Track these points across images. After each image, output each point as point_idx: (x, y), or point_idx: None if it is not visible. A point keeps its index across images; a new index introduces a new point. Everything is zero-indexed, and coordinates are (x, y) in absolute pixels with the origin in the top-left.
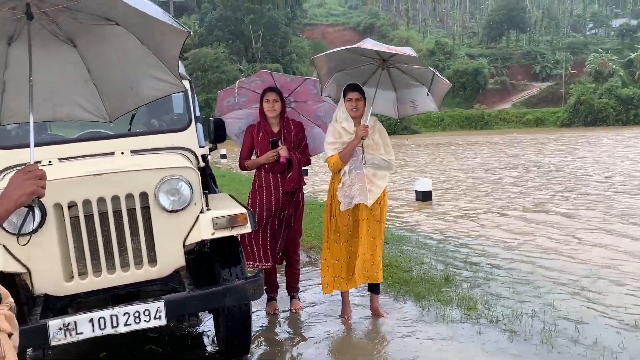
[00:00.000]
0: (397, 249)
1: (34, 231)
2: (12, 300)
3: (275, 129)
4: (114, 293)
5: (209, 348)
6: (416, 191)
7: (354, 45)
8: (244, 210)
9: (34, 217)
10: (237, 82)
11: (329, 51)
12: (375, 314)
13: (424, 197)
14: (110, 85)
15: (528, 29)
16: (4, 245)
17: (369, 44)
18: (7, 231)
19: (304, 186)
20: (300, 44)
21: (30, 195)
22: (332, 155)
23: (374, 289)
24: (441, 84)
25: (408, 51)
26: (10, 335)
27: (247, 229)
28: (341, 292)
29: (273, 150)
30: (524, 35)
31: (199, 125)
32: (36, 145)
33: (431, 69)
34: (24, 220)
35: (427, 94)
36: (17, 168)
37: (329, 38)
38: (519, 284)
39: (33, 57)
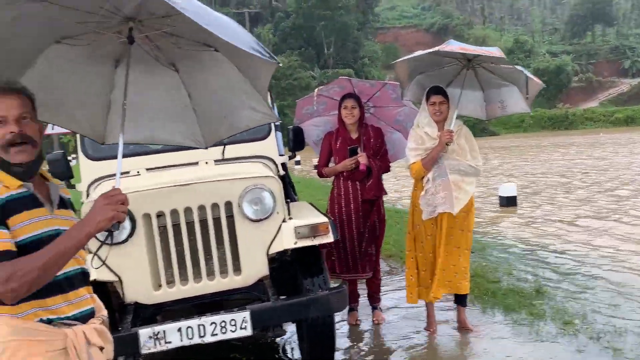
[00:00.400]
0: (482, 257)
1: (124, 241)
2: (105, 313)
3: (354, 136)
4: (199, 302)
5: (292, 358)
6: (500, 196)
7: (437, 48)
8: (326, 220)
9: (111, 240)
10: (316, 90)
11: (410, 55)
12: (463, 327)
13: (509, 202)
14: (208, 112)
15: (615, 22)
16: (96, 254)
17: (454, 45)
18: (100, 241)
19: (385, 195)
20: (373, 48)
21: (110, 221)
22: (415, 162)
23: (460, 300)
24: (532, 84)
25: (496, 52)
26: (101, 348)
27: (329, 238)
28: (426, 304)
29: (352, 157)
30: (611, 29)
31: (279, 134)
32: (124, 156)
33: (519, 68)
34: (102, 244)
35: (519, 94)
36: (108, 179)
37: (401, 41)
38: (619, 296)
39: (136, 80)
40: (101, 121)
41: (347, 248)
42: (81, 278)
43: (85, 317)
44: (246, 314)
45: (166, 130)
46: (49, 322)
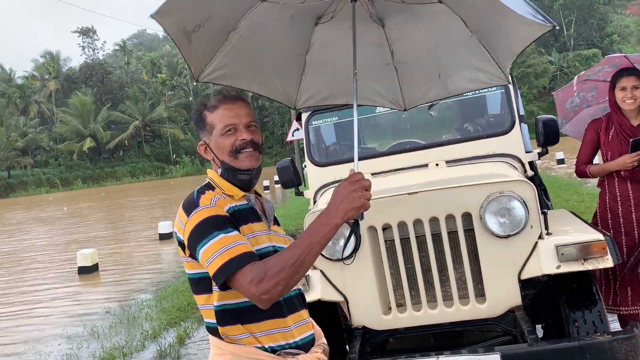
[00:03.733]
0: None
1: (350, 256)
2: (325, 341)
3: (635, 122)
4: (436, 331)
5: None
6: None
7: None
8: (601, 237)
9: (358, 235)
10: (576, 77)
11: None
12: None
13: None
14: (414, 70)
15: None
16: (321, 271)
17: None
18: (324, 256)
19: None
20: (623, 22)
21: (359, 209)
22: None
23: None
24: None
25: None
26: None
27: (608, 262)
28: None
29: (634, 153)
30: None
31: (524, 126)
32: (350, 160)
33: None
34: (349, 236)
35: None
36: (333, 185)
37: None
38: None
39: (337, 38)
40: (294, 85)
41: (632, 272)
42: (300, 299)
43: (307, 345)
44: (496, 358)
45: (364, 90)
46: (273, 351)
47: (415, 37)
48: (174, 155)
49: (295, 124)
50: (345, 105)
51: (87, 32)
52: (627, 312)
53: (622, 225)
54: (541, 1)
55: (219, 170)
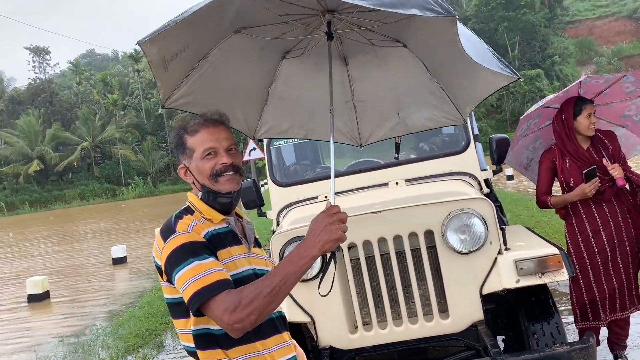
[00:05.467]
0: None
1: (315, 277)
2: None
3: (585, 145)
4: (401, 348)
5: None
6: None
7: None
8: (557, 251)
9: (335, 265)
10: (543, 100)
11: None
12: None
13: None
14: (372, 108)
15: None
16: (289, 294)
17: None
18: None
19: None
20: (563, 44)
21: (337, 242)
22: None
23: None
24: None
25: None
26: None
27: (563, 275)
28: None
29: (590, 182)
30: None
31: (479, 145)
32: (311, 181)
33: None
34: (326, 268)
35: None
36: (296, 206)
37: (597, 33)
38: None
39: (302, 72)
40: (256, 115)
41: (603, 287)
42: (281, 321)
43: None
44: None
45: (322, 126)
46: None
47: (376, 77)
48: (126, 177)
49: (251, 144)
50: None
51: (39, 51)
52: (592, 325)
53: (594, 245)
54: (487, 23)
55: (199, 194)
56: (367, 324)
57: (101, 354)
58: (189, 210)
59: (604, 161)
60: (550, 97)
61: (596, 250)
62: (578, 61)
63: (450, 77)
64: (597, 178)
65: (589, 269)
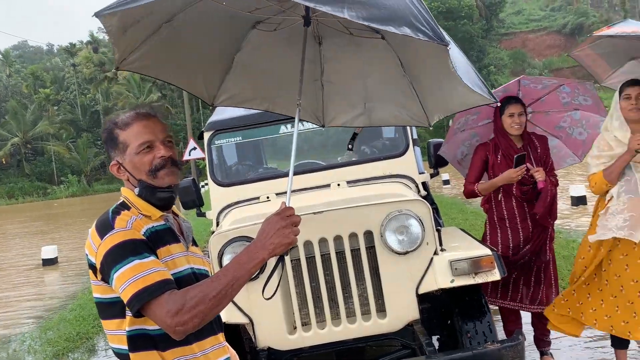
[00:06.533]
0: None
1: (255, 278)
2: None
3: (519, 145)
4: (340, 347)
5: None
6: None
7: (595, 35)
8: (489, 252)
9: (283, 268)
10: None
11: (608, 32)
12: None
13: None
14: (340, 92)
15: None
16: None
17: (627, 26)
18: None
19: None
20: (498, 55)
21: (288, 246)
22: (595, 173)
23: None
24: None
25: None
26: None
27: (495, 275)
28: (616, 353)
29: (519, 167)
30: None
31: (417, 149)
32: (253, 181)
33: None
34: (273, 271)
35: None
36: (237, 206)
37: (530, 45)
38: None
39: (271, 44)
40: (217, 82)
41: (517, 283)
42: (218, 322)
43: None
44: None
45: (287, 102)
46: None
47: (349, 62)
48: (59, 175)
49: (192, 143)
50: (251, 125)
51: None
52: (504, 305)
53: (510, 241)
54: None
55: (136, 190)
56: (306, 324)
57: None
58: (125, 206)
59: (528, 164)
60: None
61: (511, 245)
62: (512, 72)
63: (426, 81)
64: (525, 165)
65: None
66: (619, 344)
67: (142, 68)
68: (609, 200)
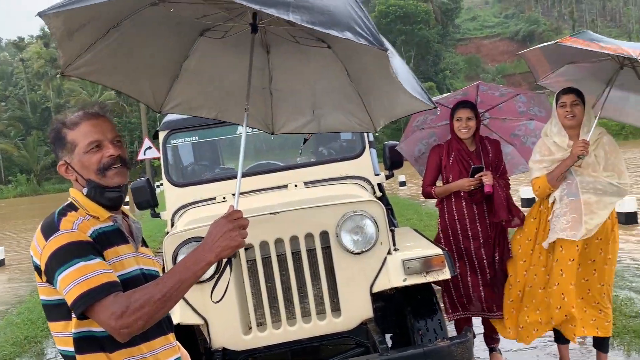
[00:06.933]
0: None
1: (210, 278)
2: None
3: (471, 148)
4: (294, 347)
5: None
6: (618, 212)
7: (554, 42)
8: (440, 252)
9: (231, 271)
10: (442, 95)
11: (544, 45)
12: None
13: (628, 219)
14: (289, 99)
15: None
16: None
17: (582, 40)
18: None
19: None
20: (454, 60)
21: (235, 249)
22: (538, 177)
23: (600, 345)
24: None
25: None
26: None
27: (445, 274)
28: (559, 348)
29: (473, 177)
30: None
31: (373, 151)
32: (209, 181)
33: None
34: (220, 274)
35: None
36: (193, 207)
37: (484, 51)
38: None
39: (219, 51)
40: (164, 89)
41: (469, 282)
42: (167, 322)
43: None
44: None
45: (237, 109)
46: None
47: (296, 70)
48: (6, 174)
49: (147, 142)
50: (207, 124)
51: None
52: (459, 317)
53: (460, 241)
54: (385, 36)
55: (84, 190)
56: (261, 324)
57: None
58: (72, 207)
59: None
60: (447, 94)
61: (462, 246)
62: (467, 76)
63: (370, 88)
64: (480, 178)
65: (456, 262)
66: (562, 339)
67: (88, 74)
68: (552, 204)
